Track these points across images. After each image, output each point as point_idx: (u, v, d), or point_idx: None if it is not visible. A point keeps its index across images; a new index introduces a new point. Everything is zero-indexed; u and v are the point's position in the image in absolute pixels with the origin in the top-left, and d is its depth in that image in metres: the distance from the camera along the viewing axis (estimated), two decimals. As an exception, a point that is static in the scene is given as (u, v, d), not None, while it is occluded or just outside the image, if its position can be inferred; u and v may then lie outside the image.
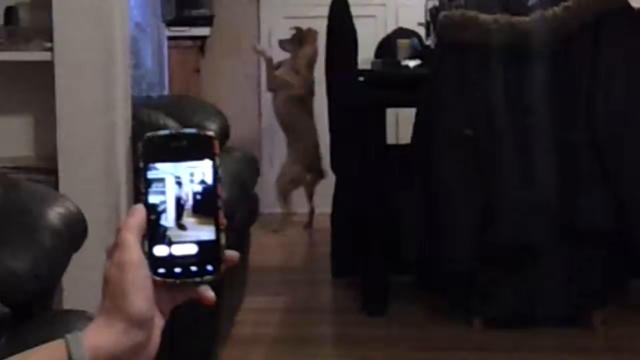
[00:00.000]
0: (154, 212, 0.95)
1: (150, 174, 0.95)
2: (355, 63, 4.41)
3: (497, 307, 3.87)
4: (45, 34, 3.12)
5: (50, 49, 3.10)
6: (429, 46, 4.27)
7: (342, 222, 4.58)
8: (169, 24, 5.51)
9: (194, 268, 0.95)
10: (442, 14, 3.74)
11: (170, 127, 3.32)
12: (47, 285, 1.99)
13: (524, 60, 3.62)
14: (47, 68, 3.09)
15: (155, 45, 5.17)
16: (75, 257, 2.16)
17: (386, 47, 4.70)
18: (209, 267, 0.95)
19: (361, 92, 4.18)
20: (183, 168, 0.95)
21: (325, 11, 4.58)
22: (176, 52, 5.68)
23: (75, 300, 2.69)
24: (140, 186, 0.96)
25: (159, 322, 0.96)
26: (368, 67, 4.38)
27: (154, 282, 0.94)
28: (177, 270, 0.95)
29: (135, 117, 3.32)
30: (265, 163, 5.99)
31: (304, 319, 4.14)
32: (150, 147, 0.96)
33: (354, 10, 4.54)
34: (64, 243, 2.03)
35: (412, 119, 3.97)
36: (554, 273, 3.77)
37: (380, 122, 4.14)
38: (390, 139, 4.48)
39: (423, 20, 4.66)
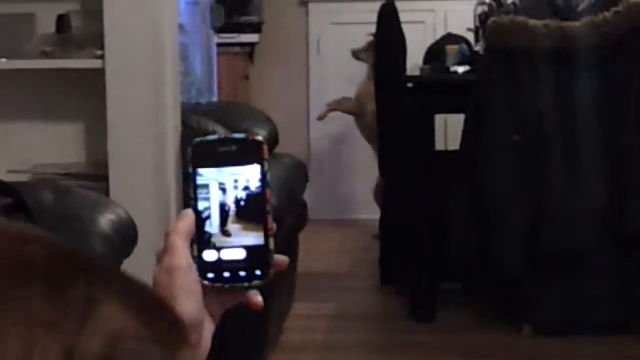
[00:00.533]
0: (201, 217, 0.95)
1: (199, 179, 0.95)
2: (404, 69, 4.41)
3: (546, 314, 3.85)
4: (96, 41, 3.16)
5: (102, 57, 3.13)
6: (477, 52, 4.25)
7: (391, 228, 4.58)
8: (218, 30, 5.54)
9: (242, 273, 0.95)
10: (492, 19, 3.73)
11: (219, 133, 3.34)
12: (98, 290, 2.01)
13: (573, 65, 3.60)
14: (98, 75, 3.12)
15: (204, 51, 5.20)
16: (126, 263, 2.18)
17: (435, 53, 4.68)
18: (258, 272, 0.95)
19: (410, 98, 4.17)
20: (229, 174, 0.95)
21: (373, 17, 4.59)
22: (225, 58, 5.70)
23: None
24: (189, 191, 0.96)
25: (209, 327, 0.96)
26: (417, 73, 4.37)
27: (203, 286, 0.94)
28: (226, 275, 0.95)
29: (185, 124, 3.34)
30: (313, 170, 6.00)
31: (351, 325, 4.14)
32: (199, 151, 0.96)
33: (402, 16, 4.54)
34: (115, 249, 2.05)
35: (461, 125, 3.96)
36: (604, 279, 3.74)
37: (429, 127, 4.13)
38: (439, 145, 4.46)
39: (472, 26, 4.65)
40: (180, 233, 0.94)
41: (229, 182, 0.95)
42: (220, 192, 0.95)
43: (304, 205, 3.93)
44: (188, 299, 0.92)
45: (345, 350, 3.84)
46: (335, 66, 6.08)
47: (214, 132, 3.30)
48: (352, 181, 6.13)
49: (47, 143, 3.32)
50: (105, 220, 2.09)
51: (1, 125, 3.32)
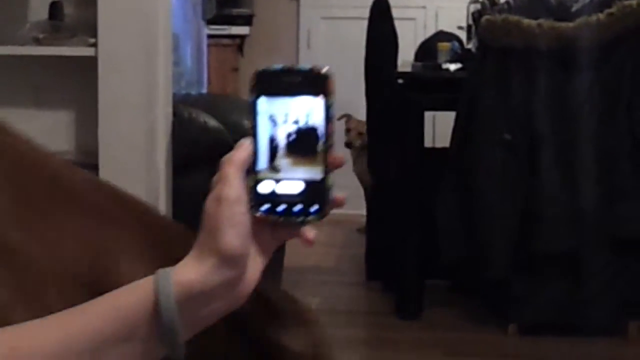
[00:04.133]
0: (258, 147, 0.92)
1: (259, 109, 0.92)
2: (395, 65, 4.40)
3: (532, 314, 3.85)
4: (89, 29, 3.14)
5: (94, 45, 3.12)
6: (469, 50, 4.25)
7: (378, 224, 4.58)
8: (209, 22, 5.53)
9: (297, 207, 0.92)
10: (485, 17, 3.72)
11: (210, 124, 3.33)
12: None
13: (566, 66, 3.60)
14: (90, 63, 3.11)
15: (194, 43, 5.18)
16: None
17: (426, 50, 4.68)
18: (314, 207, 0.92)
19: (400, 95, 4.17)
20: (291, 104, 0.92)
21: (365, 13, 4.58)
22: (215, 50, 5.69)
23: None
24: (249, 120, 0.93)
25: (259, 261, 0.94)
26: (408, 69, 4.36)
27: (256, 218, 0.92)
28: (281, 208, 0.92)
29: (175, 114, 3.33)
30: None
31: (336, 320, 4.13)
32: (262, 80, 0.93)
33: (394, 13, 4.53)
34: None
35: (450, 122, 3.96)
36: (593, 280, 3.75)
37: (419, 124, 4.13)
38: (427, 142, 4.47)
39: (463, 24, 4.64)
40: (234, 163, 0.91)
41: (290, 114, 0.92)
42: (279, 124, 0.92)
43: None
44: (232, 230, 0.89)
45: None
46: (325, 60, 6.06)
47: (205, 123, 3.29)
48: (338, 176, 6.12)
49: (38, 130, 3.26)
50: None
51: (-9, 111, 3.30)
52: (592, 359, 3.68)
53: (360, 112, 4.88)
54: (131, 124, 3.12)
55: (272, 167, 0.92)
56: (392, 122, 4.26)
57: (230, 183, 0.90)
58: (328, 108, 0.92)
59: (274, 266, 0.99)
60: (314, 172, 0.92)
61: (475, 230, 3.80)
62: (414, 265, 4.09)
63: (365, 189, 5.31)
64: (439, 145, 4.88)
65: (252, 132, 0.92)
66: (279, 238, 0.95)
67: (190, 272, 0.89)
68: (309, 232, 0.93)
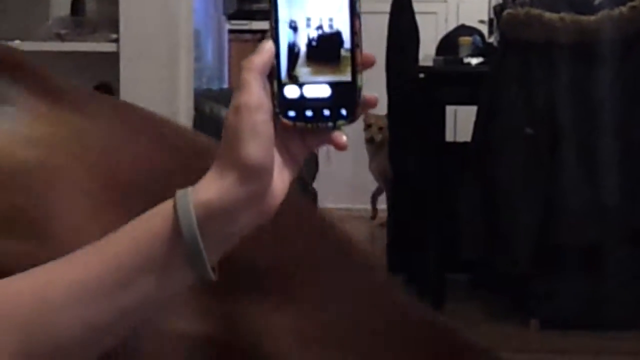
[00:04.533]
0: (279, 49, 0.85)
1: (280, 7, 0.85)
2: (417, 60, 4.40)
3: (554, 309, 3.84)
4: (111, 25, 3.16)
5: (116, 40, 3.13)
6: (491, 44, 4.24)
7: (400, 218, 4.58)
8: (230, 17, 5.54)
9: (326, 112, 0.85)
10: (507, 11, 3.72)
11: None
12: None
13: (588, 60, 3.59)
14: (112, 59, 3.12)
15: (215, 38, 5.19)
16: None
17: (448, 44, 4.67)
18: (343, 111, 0.85)
19: (422, 90, 4.16)
20: (312, 2, 0.85)
21: (386, 7, 4.57)
22: (236, 45, 5.70)
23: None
24: (269, 21, 0.86)
25: (288, 172, 0.87)
26: (429, 64, 4.36)
27: (282, 126, 0.85)
28: (309, 113, 0.85)
29: (197, 109, 3.34)
30: (322, 158, 6.00)
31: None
32: None
33: (415, 7, 4.52)
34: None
35: (470, 117, 3.96)
36: (614, 274, 3.74)
37: (440, 119, 4.12)
38: (448, 136, 4.46)
39: (484, 17, 4.63)
40: (253, 67, 0.83)
41: (312, 15, 0.85)
42: (300, 27, 0.86)
43: (314, 193, 3.92)
44: (254, 140, 0.82)
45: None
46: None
47: (227, 119, 3.30)
48: (360, 169, 6.13)
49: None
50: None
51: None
52: (614, 353, 3.67)
53: (381, 107, 4.87)
54: (153, 119, 3.13)
55: (293, 75, 0.85)
56: (413, 117, 4.26)
57: (249, 89, 0.83)
58: (353, 3, 0.85)
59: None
60: (341, 77, 0.85)
61: (497, 225, 3.80)
62: (435, 259, 4.09)
63: (386, 184, 5.31)
64: (460, 139, 4.87)
65: (273, 35, 0.85)
66: (309, 146, 0.88)
67: (210, 189, 0.83)
68: (340, 136, 0.86)
